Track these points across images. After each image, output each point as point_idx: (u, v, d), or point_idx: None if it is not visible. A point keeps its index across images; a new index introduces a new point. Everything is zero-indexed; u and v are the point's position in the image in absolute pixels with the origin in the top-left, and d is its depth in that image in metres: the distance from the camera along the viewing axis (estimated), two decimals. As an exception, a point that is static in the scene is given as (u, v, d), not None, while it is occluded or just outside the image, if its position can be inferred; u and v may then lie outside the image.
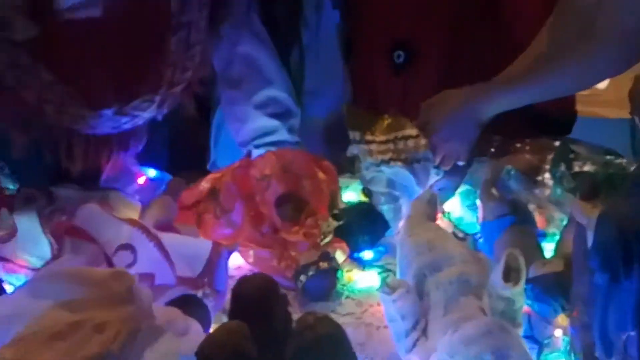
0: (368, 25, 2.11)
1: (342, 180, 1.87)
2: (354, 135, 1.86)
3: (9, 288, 1.48)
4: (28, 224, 1.62)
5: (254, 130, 2.01)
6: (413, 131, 1.84)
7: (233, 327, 1.04)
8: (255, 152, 1.93)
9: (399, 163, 1.81)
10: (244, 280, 1.11)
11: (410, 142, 1.83)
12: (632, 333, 1.14)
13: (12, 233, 1.63)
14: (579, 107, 2.16)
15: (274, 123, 2.01)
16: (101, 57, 1.69)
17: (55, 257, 1.52)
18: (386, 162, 1.82)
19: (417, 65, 2.02)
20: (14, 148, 1.71)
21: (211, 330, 1.29)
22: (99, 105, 1.71)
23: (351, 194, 1.91)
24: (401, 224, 1.60)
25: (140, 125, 1.84)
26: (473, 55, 2.02)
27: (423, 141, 1.82)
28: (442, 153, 1.82)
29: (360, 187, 1.89)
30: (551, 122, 1.98)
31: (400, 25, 2.04)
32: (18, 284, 1.51)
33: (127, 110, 1.76)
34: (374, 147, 1.84)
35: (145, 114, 1.80)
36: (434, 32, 2.01)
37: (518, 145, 1.86)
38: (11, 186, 1.73)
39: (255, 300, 1.07)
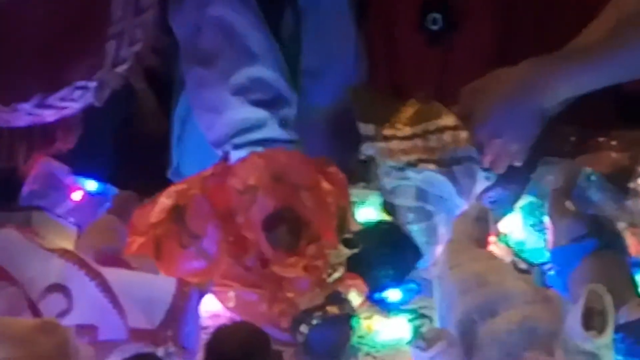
0: None
1: (355, 192, 1.87)
2: (366, 129, 1.86)
3: None
4: None
5: (233, 123, 2.01)
6: (450, 121, 1.83)
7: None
8: (235, 154, 1.93)
9: (432, 166, 1.81)
10: (221, 333, 1.11)
11: (447, 136, 1.83)
12: None
13: None
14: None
15: (260, 114, 2.01)
16: (14, 32, 1.69)
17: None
18: (413, 165, 1.82)
19: (460, 33, 2.02)
20: None
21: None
22: (12, 98, 1.72)
23: (368, 211, 1.91)
24: (439, 251, 1.59)
25: (70, 116, 1.84)
26: (534, 20, 2.02)
27: (464, 134, 1.82)
28: (493, 151, 1.81)
29: (379, 200, 1.89)
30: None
31: None
32: None
33: (51, 101, 1.76)
34: (395, 144, 1.84)
35: (76, 104, 1.80)
36: None
37: (601, 140, 1.86)
38: None
39: (239, 356, 1.07)
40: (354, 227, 1.78)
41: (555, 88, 1.79)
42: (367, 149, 1.86)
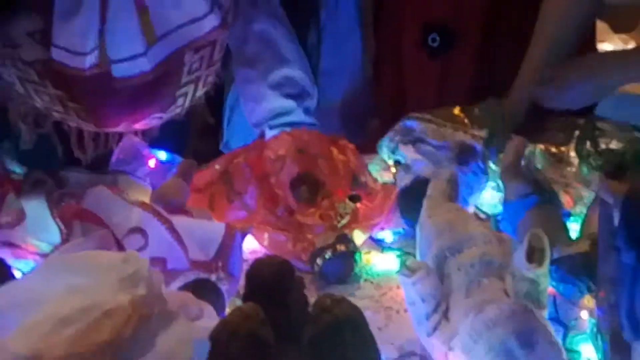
0: (399, 7, 2.10)
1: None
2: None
3: (17, 274, 1.49)
4: (36, 209, 1.63)
5: (268, 110, 2.00)
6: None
7: (248, 311, 1.04)
8: (270, 133, 1.93)
9: None
10: (258, 263, 1.11)
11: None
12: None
13: (20, 218, 1.63)
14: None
15: (289, 103, 2.00)
16: (114, 84, 1.71)
17: (64, 241, 1.52)
18: None
19: (454, 49, 2.01)
20: (23, 139, 1.73)
21: (225, 314, 1.29)
22: (105, 125, 1.73)
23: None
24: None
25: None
26: (512, 37, 2.01)
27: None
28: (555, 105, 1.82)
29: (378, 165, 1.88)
30: None
31: (434, 8, 2.04)
32: (27, 270, 1.52)
33: (135, 127, 1.77)
34: None
35: (154, 122, 1.81)
36: (471, 14, 2.00)
37: (544, 122, 1.85)
38: (18, 170, 1.74)
39: (271, 283, 1.07)
40: (370, 181, 1.78)
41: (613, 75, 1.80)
42: None
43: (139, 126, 1.76)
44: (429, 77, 2.09)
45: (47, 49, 1.63)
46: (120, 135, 1.81)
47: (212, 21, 1.71)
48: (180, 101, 1.75)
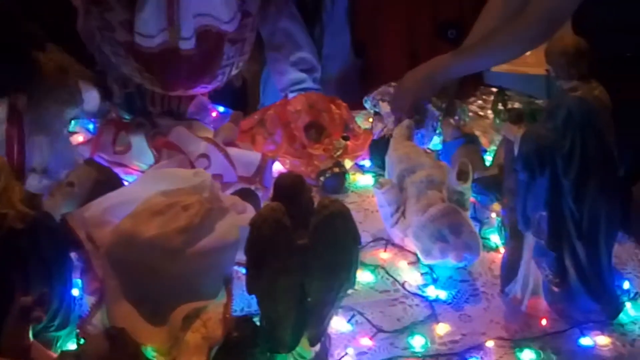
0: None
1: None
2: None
3: (126, 184, 1.49)
4: (139, 142, 1.63)
5: (289, 80, 1.97)
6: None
7: (274, 206, 1.03)
8: (290, 95, 1.90)
9: None
10: (281, 176, 1.10)
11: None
12: (543, 213, 1.14)
13: (128, 148, 1.64)
14: (509, 67, 2.11)
15: (303, 76, 1.97)
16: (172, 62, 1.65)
17: (156, 162, 1.52)
18: None
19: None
20: (115, 95, 1.70)
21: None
22: (168, 90, 1.69)
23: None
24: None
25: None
26: None
27: None
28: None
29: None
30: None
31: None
32: (132, 180, 1.52)
33: (188, 93, 1.72)
34: None
35: (201, 90, 1.76)
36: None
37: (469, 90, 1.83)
38: (127, 116, 1.73)
39: (290, 188, 1.06)
40: (357, 127, 1.74)
41: (448, 67, 1.70)
42: None
43: (191, 92, 1.72)
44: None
45: (131, 34, 1.59)
46: (179, 97, 1.74)
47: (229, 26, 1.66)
48: (219, 78, 1.71)
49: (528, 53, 2.47)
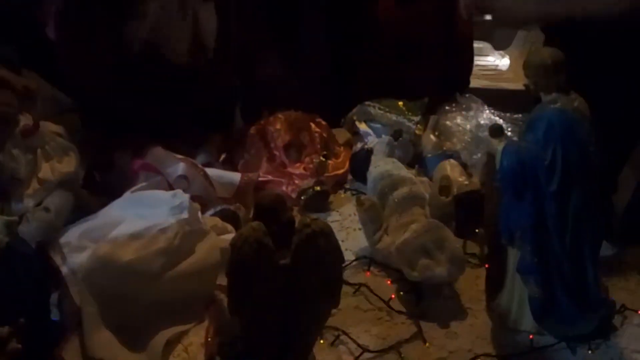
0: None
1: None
2: None
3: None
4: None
5: None
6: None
7: (255, 226, 1.02)
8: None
9: None
10: (261, 195, 1.09)
11: None
12: (527, 226, 1.12)
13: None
14: (488, 82, 2.10)
15: None
16: None
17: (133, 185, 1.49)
18: None
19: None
20: None
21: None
22: None
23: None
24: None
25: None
26: None
27: None
28: None
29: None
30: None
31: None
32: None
33: None
34: None
35: None
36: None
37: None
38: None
39: (270, 208, 1.05)
40: (337, 146, 1.72)
41: None
42: None
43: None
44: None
45: None
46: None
47: None
48: None
49: (505, 67, 2.53)
